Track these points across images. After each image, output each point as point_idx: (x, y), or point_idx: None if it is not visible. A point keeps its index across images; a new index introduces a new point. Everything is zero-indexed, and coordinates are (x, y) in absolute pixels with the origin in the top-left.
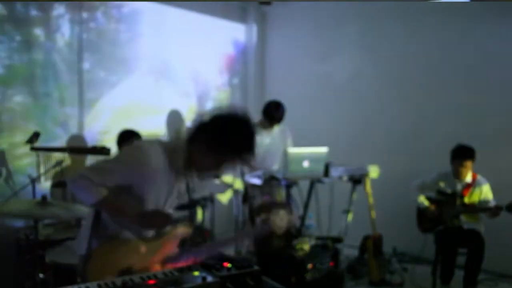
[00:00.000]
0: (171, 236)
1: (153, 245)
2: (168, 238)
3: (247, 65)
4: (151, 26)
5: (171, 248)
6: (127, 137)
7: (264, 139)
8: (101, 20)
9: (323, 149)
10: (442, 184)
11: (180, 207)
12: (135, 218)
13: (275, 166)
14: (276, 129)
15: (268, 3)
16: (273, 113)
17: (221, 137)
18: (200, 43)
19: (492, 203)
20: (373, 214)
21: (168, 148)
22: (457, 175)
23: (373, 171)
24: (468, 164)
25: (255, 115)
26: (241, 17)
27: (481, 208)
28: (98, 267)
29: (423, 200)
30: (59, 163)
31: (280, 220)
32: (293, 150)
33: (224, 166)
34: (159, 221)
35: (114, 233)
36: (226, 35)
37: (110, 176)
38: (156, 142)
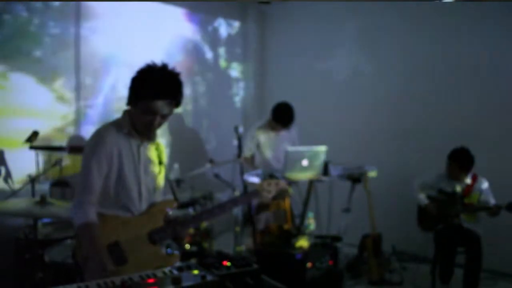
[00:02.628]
0: (158, 211)
1: (139, 219)
2: (154, 212)
3: (247, 64)
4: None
5: (157, 222)
6: None
7: (271, 138)
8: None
9: (322, 148)
10: (442, 183)
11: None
12: (99, 253)
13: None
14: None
15: (267, 2)
16: (284, 118)
17: (136, 83)
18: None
19: (492, 203)
20: (372, 213)
21: (118, 121)
22: (453, 176)
23: (372, 173)
24: (461, 167)
25: (255, 114)
26: (241, 17)
27: (481, 207)
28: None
29: (424, 197)
30: (58, 162)
31: (268, 184)
32: (292, 149)
33: (148, 114)
34: (118, 260)
35: (102, 211)
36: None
37: (91, 178)
38: (107, 123)
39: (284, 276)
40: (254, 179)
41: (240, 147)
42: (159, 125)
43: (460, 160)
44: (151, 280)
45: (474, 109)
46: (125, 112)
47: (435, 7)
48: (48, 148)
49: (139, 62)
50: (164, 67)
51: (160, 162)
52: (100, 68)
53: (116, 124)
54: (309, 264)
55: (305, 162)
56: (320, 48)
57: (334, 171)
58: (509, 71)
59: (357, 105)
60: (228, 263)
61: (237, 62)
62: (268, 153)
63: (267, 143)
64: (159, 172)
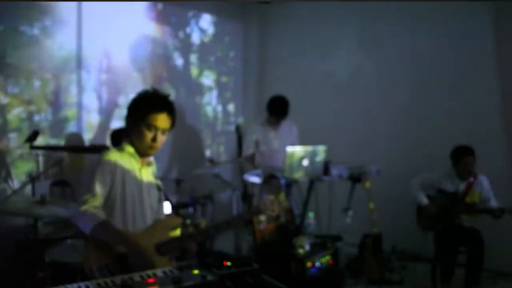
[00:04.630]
0: (163, 227)
1: (146, 233)
2: (160, 228)
3: (247, 63)
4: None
5: (164, 235)
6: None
7: (270, 136)
8: None
9: (323, 148)
10: (445, 183)
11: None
12: (130, 246)
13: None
14: (283, 125)
15: (267, 2)
16: (277, 108)
17: (133, 107)
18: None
19: (493, 202)
20: (373, 212)
21: (120, 147)
22: (462, 175)
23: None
24: (471, 160)
25: (255, 113)
26: (241, 16)
27: (483, 209)
28: (96, 247)
29: (424, 197)
30: (58, 162)
31: (271, 203)
32: (292, 149)
33: (150, 130)
34: (141, 264)
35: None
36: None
37: (96, 189)
38: (111, 148)
39: (284, 276)
40: (255, 179)
41: (240, 146)
42: (161, 142)
43: (461, 151)
44: (151, 280)
45: (476, 108)
46: (125, 141)
47: (435, 7)
48: (48, 148)
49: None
50: (155, 90)
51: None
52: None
53: (118, 149)
54: (309, 264)
55: (305, 162)
56: (320, 48)
57: (334, 170)
58: (510, 71)
59: (358, 104)
60: (229, 263)
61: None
62: (266, 151)
63: (265, 141)
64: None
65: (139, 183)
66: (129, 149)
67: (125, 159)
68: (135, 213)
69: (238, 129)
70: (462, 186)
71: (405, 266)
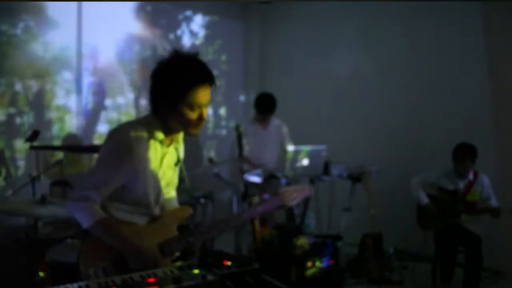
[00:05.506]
0: (172, 219)
1: (152, 228)
2: (168, 221)
3: (247, 63)
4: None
5: (171, 231)
6: None
7: (258, 134)
8: None
9: (322, 147)
10: (445, 181)
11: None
12: (128, 249)
13: (271, 163)
14: (272, 124)
15: (268, 2)
16: (263, 105)
17: (170, 79)
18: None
19: (493, 201)
20: (373, 212)
21: (150, 126)
22: (460, 173)
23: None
24: (469, 162)
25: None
26: (241, 16)
27: (483, 209)
28: (92, 249)
29: (425, 196)
30: (59, 161)
31: (294, 191)
32: (292, 148)
33: (195, 108)
34: (147, 262)
35: (118, 216)
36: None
37: (109, 183)
38: (135, 124)
39: (284, 276)
40: (255, 179)
41: (240, 146)
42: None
43: (462, 151)
44: (151, 280)
45: (476, 108)
46: (155, 119)
47: (435, 7)
48: (49, 148)
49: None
50: (188, 53)
51: (178, 162)
52: None
53: (147, 129)
54: (309, 263)
55: (305, 161)
56: (319, 47)
57: (334, 170)
58: (509, 70)
59: (358, 104)
60: (229, 263)
61: None
62: (255, 149)
63: (254, 138)
64: (173, 175)
65: (157, 168)
66: (159, 135)
67: (151, 144)
68: (149, 200)
69: (237, 128)
70: (462, 185)
71: (405, 265)
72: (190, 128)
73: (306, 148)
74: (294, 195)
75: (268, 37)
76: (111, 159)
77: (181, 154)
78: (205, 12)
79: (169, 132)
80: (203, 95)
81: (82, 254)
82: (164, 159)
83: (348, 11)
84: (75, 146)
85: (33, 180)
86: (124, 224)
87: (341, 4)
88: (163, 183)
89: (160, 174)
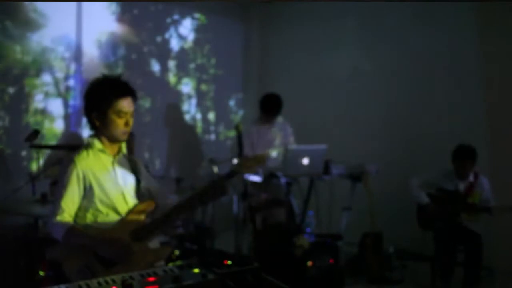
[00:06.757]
0: (136, 212)
1: (121, 224)
2: (132, 214)
3: (247, 63)
4: None
5: (139, 221)
6: None
7: (263, 134)
8: None
9: (323, 147)
10: (445, 182)
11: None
12: (98, 243)
13: (276, 163)
14: (276, 124)
15: (267, 2)
16: (270, 105)
17: (95, 96)
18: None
19: (492, 203)
20: (373, 211)
21: (87, 144)
22: (459, 174)
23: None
24: (469, 164)
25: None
26: (242, 15)
27: (482, 208)
28: (71, 250)
29: (425, 196)
30: (59, 161)
31: (246, 161)
32: (292, 148)
33: (120, 116)
34: (118, 251)
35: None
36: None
37: (65, 198)
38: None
39: (284, 275)
40: (255, 178)
41: (240, 145)
42: (131, 125)
43: (462, 152)
44: (152, 279)
45: (476, 108)
46: (92, 136)
47: (434, 6)
48: (48, 147)
49: None
50: (109, 76)
51: (135, 172)
52: None
53: (85, 147)
54: (309, 263)
55: (305, 161)
56: (320, 48)
57: (334, 169)
58: (509, 70)
59: (358, 104)
60: (229, 262)
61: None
62: (259, 149)
63: (259, 139)
64: (139, 179)
65: (113, 178)
66: (97, 144)
67: (95, 156)
68: (115, 204)
69: (237, 127)
70: (462, 186)
71: (405, 265)
72: (119, 133)
73: (306, 147)
74: (250, 163)
75: (268, 37)
76: (61, 183)
77: (139, 168)
78: (205, 12)
79: (108, 140)
80: (128, 104)
81: (61, 260)
82: (115, 166)
83: (348, 11)
84: (75, 145)
85: (33, 179)
86: (93, 228)
87: (341, 4)
88: (127, 187)
89: (120, 180)
